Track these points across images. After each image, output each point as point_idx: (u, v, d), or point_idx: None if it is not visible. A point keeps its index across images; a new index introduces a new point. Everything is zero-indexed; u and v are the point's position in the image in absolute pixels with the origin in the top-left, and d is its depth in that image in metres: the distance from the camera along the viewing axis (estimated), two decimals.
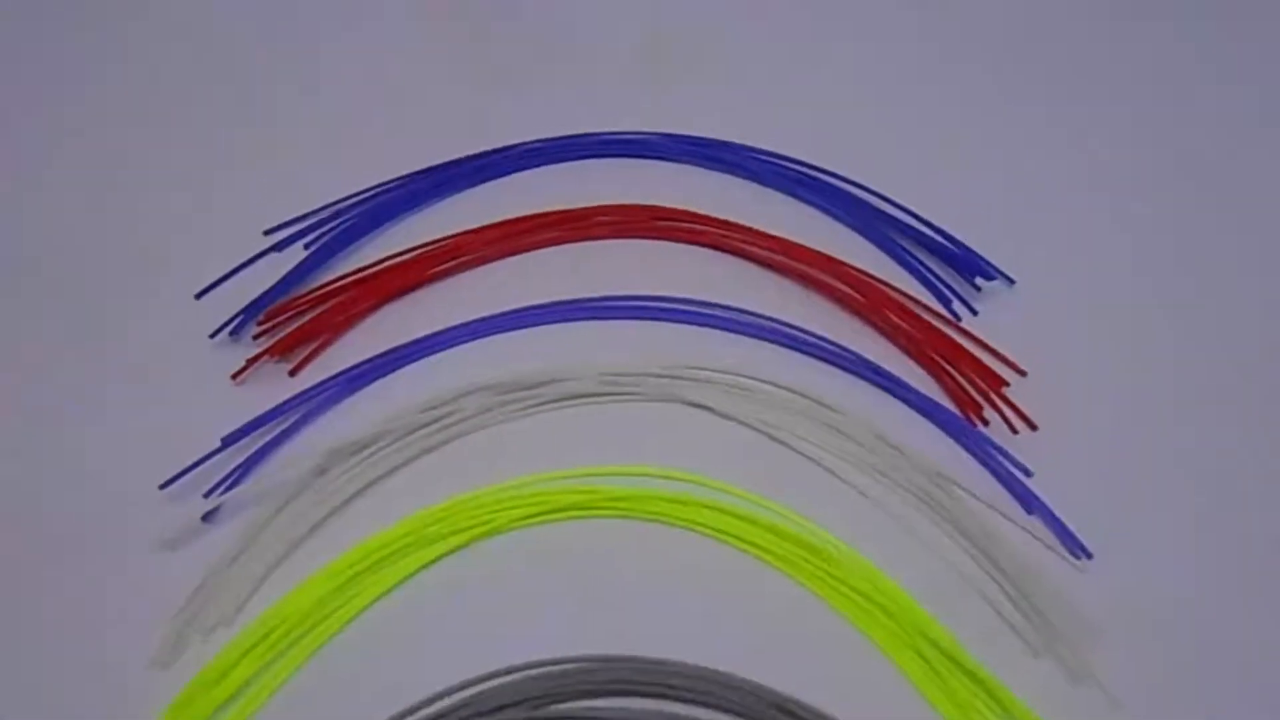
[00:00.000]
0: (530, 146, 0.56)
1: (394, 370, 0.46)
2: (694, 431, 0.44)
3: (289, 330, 0.47)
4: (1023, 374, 0.47)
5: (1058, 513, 0.42)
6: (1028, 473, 0.43)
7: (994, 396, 0.45)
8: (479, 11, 0.65)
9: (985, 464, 0.44)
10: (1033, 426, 0.45)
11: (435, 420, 0.44)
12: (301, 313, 0.48)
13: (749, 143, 0.56)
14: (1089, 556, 0.41)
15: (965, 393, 0.46)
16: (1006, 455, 0.44)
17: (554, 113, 0.57)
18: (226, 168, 0.55)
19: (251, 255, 0.50)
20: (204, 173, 0.55)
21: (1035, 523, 0.42)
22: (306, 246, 0.51)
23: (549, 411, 0.45)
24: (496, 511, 0.41)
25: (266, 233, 0.51)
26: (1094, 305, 0.50)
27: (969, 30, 0.64)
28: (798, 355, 0.47)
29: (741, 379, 0.46)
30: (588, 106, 0.57)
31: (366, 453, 0.43)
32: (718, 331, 0.48)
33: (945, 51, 0.63)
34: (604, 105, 0.57)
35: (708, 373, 0.46)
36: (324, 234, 0.52)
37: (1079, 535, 0.41)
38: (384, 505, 0.42)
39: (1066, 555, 0.41)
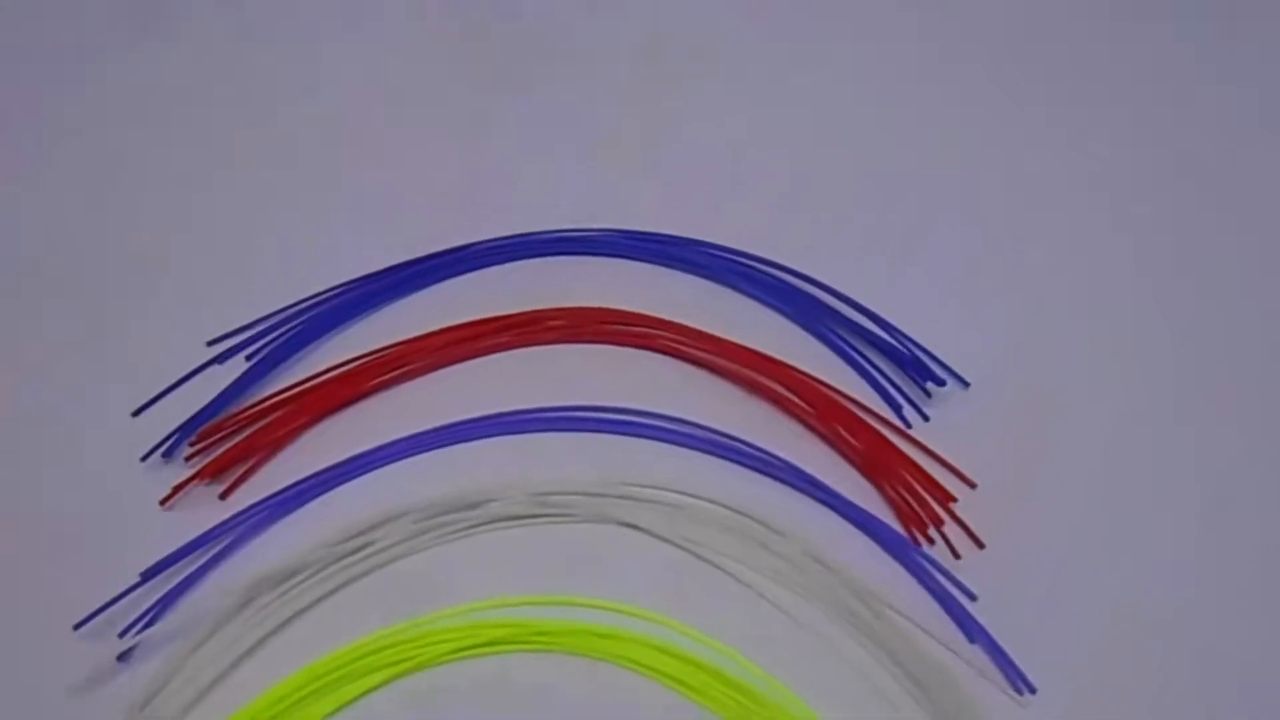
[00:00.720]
0: (480, 247, 0.55)
1: (326, 491, 0.45)
2: (625, 554, 0.43)
3: (223, 450, 0.46)
4: (972, 486, 0.45)
5: (1001, 642, 0.40)
6: (972, 596, 0.42)
7: (941, 512, 0.44)
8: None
9: (927, 586, 0.42)
10: (979, 544, 0.43)
11: (362, 547, 0.43)
12: (237, 430, 0.47)
13: (701, 237, 0.55)
14: (1032, 691, 0.39)
15: (910, 508, 0.44)
16: (950, 577, 0.42)
17: (504, 211, 0.56)
18: (170, 273, 0.54)
19: (193, 368, 0.50)
20: (147, 279, 0.54)
21: (977, 652, 0.40)
22: (249, 358, 0.50)
23: (480, 535, 0.44)
24: (424, 646, 0.40)
25: (210, 343, 0.51)
26: (1051, 409, 0.48)
27: (923, 123, 0.62)
28: (736, 468, 0.46)
29: (675, 495, 0.45)
30: (536, 204, 0.57)
31: (291, 583, 0.42)
32: (656, 443, 0.47)
33: (900, 143, 0.61)
34: (553, 202, 0.57)
35: (642, 489, 0.45)
36: (268, 343, 0.51)
37: (1022, 667, 0.39)
38: (309, 638, 0.41)
39: (1008, 689, 0.39)
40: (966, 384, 0.49)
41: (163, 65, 0.63)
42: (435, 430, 0.47)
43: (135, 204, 0.57)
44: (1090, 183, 0.58)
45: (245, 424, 0.47)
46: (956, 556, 0.43)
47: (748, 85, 0.62)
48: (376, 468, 0.46)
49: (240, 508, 0.44)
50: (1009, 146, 0.58)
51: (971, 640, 0.40)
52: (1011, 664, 0.39)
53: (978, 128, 0.59)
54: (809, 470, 0.46)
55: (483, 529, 0.44)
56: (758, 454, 0.46)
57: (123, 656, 0.40)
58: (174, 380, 0.49)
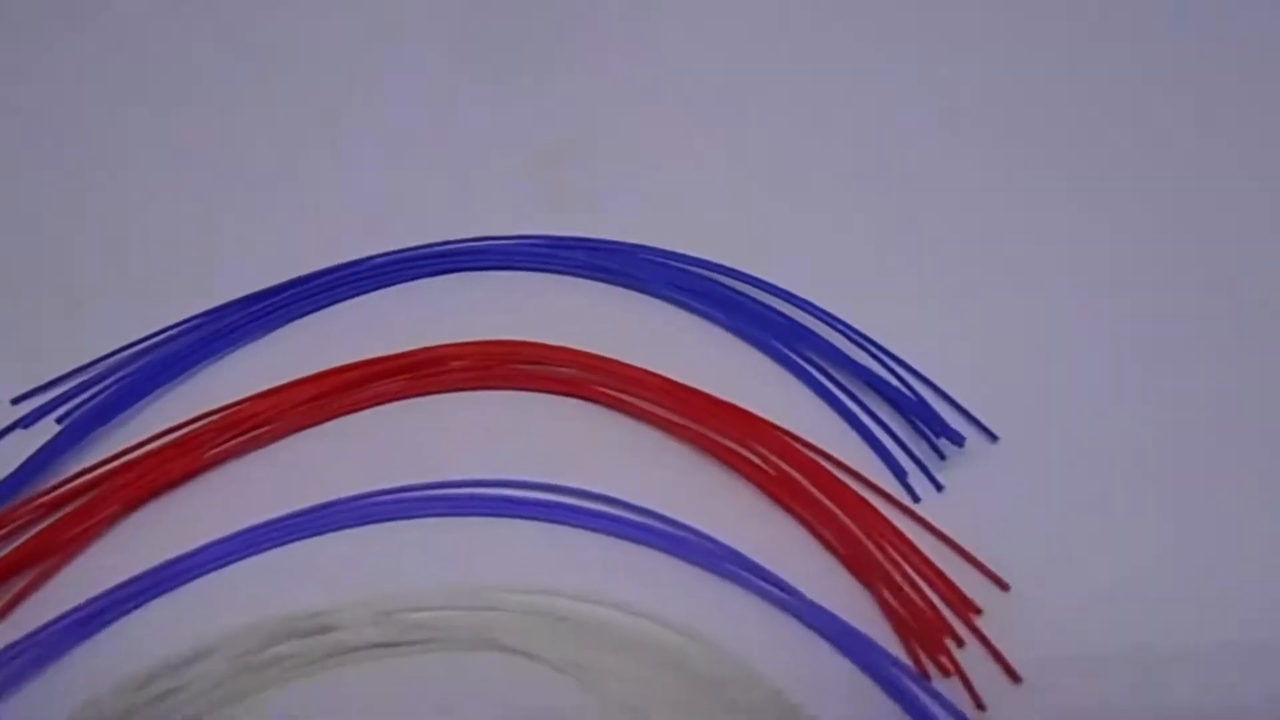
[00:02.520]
0: (360, 268, 0.43)
1: (124, 614, 0.34)
2: (512, 697, 0.31)
3: (9, 550, 0.35)
4: (1004, 588, 0.33)
5: None
6: None
7: (961, 630, 0.32)
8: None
9: None
10: (1014, 677, 0.31)
11: (165, 695, 0.31)
12: (32, 522, 0.36)
13: (647, 241, 0.43)
14: None
15: (918, 625, 0.32)
16: None
17: (385, 224, 0.45)
18: None
19: None
20: None
21: None
22: (60, 420, 0.39)
23: (323, 672, 0.32)
24: None
25: (15, 401, 0.40)
26: (1105, 474, 0.36)
27: (931, 118, 0.50)
28: (676, 564, 0.34)
29: (590, 607, 0.33)
30: (425, 214, 0.45)
31: None
32: (571, 531, 0.35)
33: (896, 138, 0.49)
34: (448, 211, 0.45)
35: (540, 598, 0.33)
36: (87, 400, 0.40)
37: None
38: None
39: None
40: (994, 438, 0.37)
41: None
42: (276, 522, 0.36)
43: None
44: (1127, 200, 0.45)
45: (38, 517, 0.36)
46: (981, 707, 0.30)
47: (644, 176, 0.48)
48: (198, 576, 0.35)
49: (15, 636, 0.33)
50: (986, 257, 0.44)
51: None
52: None
53: (943, 231, 0.45)
54: (775, 569, 0.33)
55: (327, 663, 0.32)
56: (705, 544, 0.34)
57: None
58: None
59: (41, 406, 0.39)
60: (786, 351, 0.39)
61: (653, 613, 0.32)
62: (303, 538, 0.35)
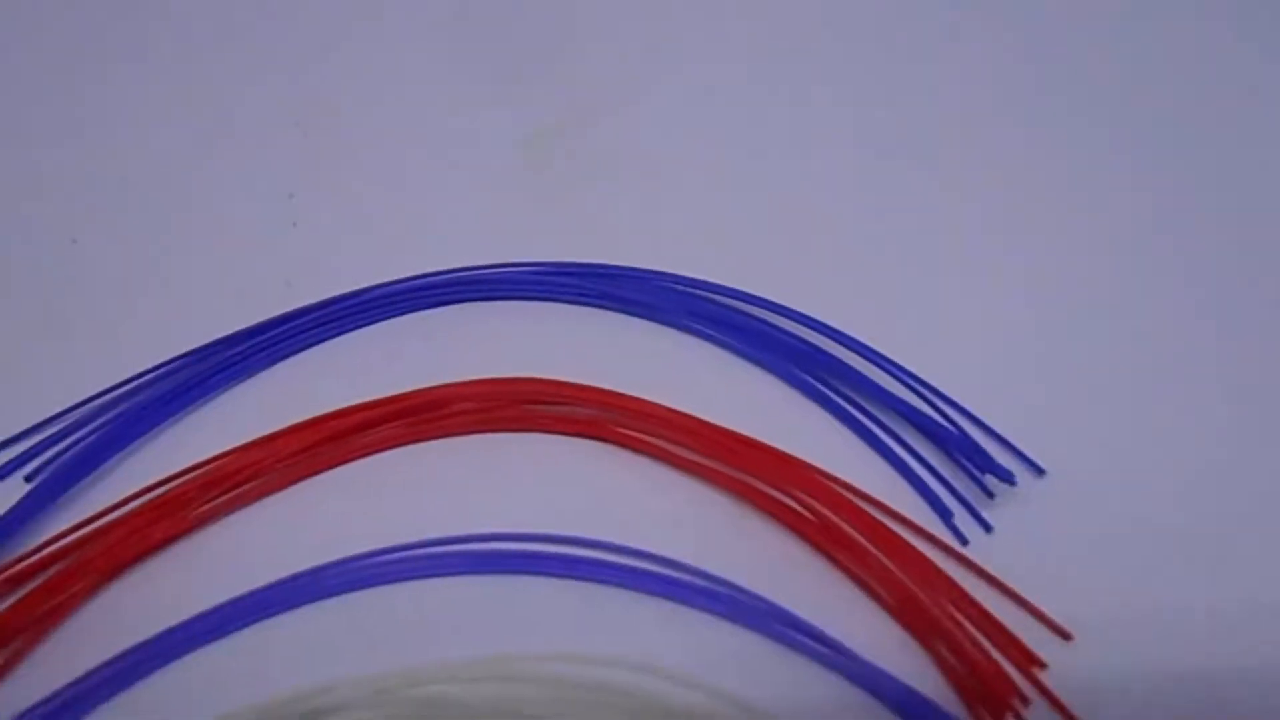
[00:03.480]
0: (346, 303, 0.40)
1: (105, 699, 0.31)
2: None
3: None
4: (1066, 638, 0.31)
5: None
6: None
7: (1024, 686, 0.29)
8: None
9: None
10: None
11: None
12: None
13: (659, 268, 0.40)
14: None
15: (977, 681, 0.29)
16: None
17: (384, 252, 0.42)
18: None
19: None
20: None
21: None
22: (29, 478, 0.36)
23: None
24: None
25: None
26: (1176, 508, 0.34)
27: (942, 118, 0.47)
28: (714, 622, 0.31)
29: (624, 672, 0.30)
30: (427, 240, 0.42)
31: None
32: (597, 587, 0.32)
33: (932, 158, 0.46)
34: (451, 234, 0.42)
35: (560, 665, 0.30)
36: (60, 454, 0.36)
37: None
38: None
39: None
40: (1041, 472, 0.34)
41: None
42: (269, 589, 0.32)
43: None
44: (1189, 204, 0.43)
45: (10, 588, 0.33)
46: None
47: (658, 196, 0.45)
48: (185, 653, 0.31)
49: None
50: (1026, 272, 0.42)
51: None
52: None
53: (986, 248, 0.43)
54: (819, 624, 0.31)
55: None
56: (748, 600, 0.31)
57: None
58: None
59: (8, 462, 0.36)
60: (818, 385, 0.37)
61: (697, 680, 0.30)
62: (296, 606, 0.32)
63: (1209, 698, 0.30)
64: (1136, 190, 0.44)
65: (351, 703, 0.30)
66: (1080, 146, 0.46)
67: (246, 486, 0.35)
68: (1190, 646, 0.31)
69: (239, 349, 0.38)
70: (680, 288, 0.40)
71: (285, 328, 0.39)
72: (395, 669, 0.30)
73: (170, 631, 0.32)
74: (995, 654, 0.30)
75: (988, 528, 0.33)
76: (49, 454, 0.36)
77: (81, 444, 0.37)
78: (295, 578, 0.33)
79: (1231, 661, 0.30)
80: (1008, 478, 0.33)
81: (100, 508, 0.34)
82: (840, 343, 0.37)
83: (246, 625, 0.32)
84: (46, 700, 0.30)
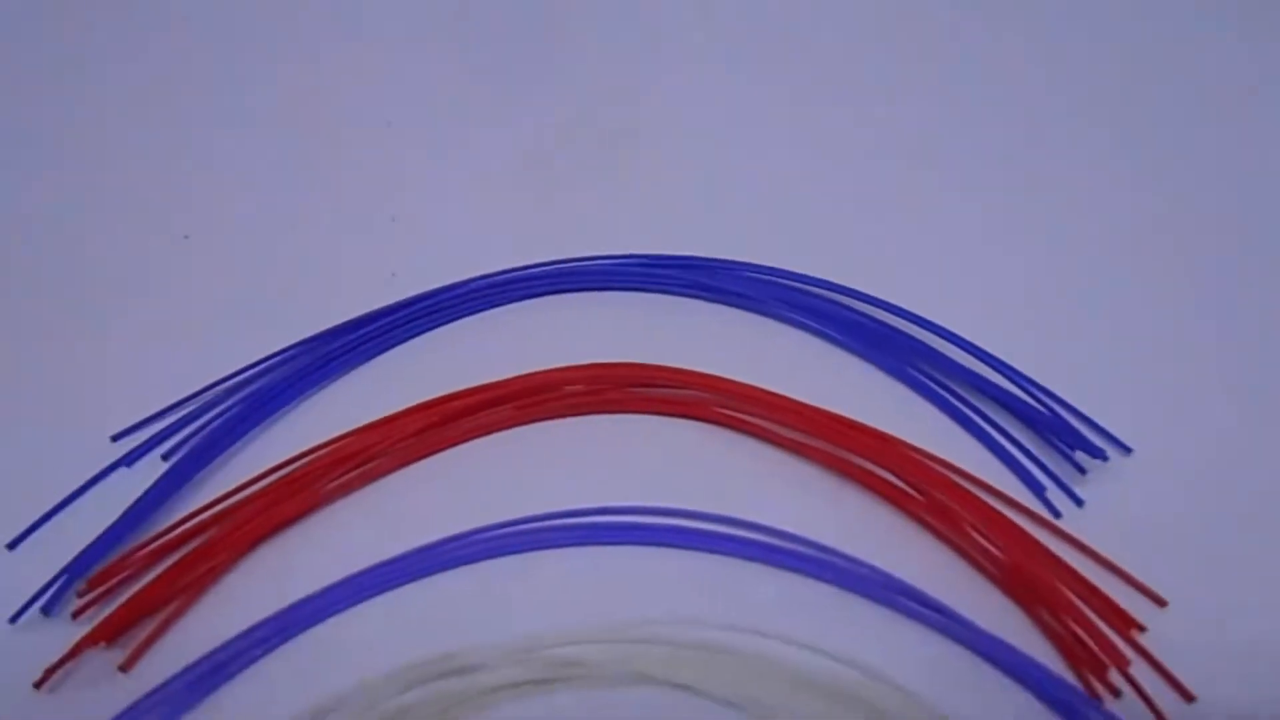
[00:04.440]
0: (456, 291, 0.42)
1: (256, 659, 0.33)
2: None
3: (121, 602, 0.34)
4: (1162, 604, 0.32)
5: None
6: None
7: (1123, 646, 0.31)
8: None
9: None
10: (1187, 696, 0.30)
11: None
12: (142, 570, 0.35)
13: (752, 260, 0.42)
14: None
15: (1081, 645, 0.31)
16: None
17: (485, 247, 0.44)
18: (57, 340, 0.42)
19: (91, 476, 0.37)
20: (32, 356, 0.42)
21: None
22: (165, 457, 0.38)
23: (470, 714, 0.31)
24: None
25: (116, 438, 0.39)
26: (1256, 481, 0.35)
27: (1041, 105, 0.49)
28: (824, 589, 0.33)
29: (744, 636, 0.32)
30: (532, 233, 0.44)
31: None
32: (710, 557, 0.34)
33: (1013, 143, 0.48)
34: (553, 228, 0.44)
35: (686, 629, 0.32)
36: (192, 435, 0.39)
37: None
38: None
39: None
40: (1127, 450, 0.36)
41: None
42: (405, 557, 0.34)
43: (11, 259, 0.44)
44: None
45: (155, 560, 0.35)
46: None
47: (747, 191, 0.47)
48: (327, 617, 0.33)
49: (147, 688, 0.32)
50: (1112, 259, 0.44)
51: None
52: None
53: (1067, 236, 0.45)
54: (926, 589, 0.33)
55: (473, 705, 0.31)
56: (853, 567, 0.33)
57: None
58: (64, 495, 0.37)
59: (145, 443, 0.38)
60: (909, 370, 0.39)
61: (813, 642, 0.31)
62: (428, 575, 0.34)
63: None
64: (1237, 181, 0.46)
65: (494, 662, 0.31)
66: (1173, 130, 0.48)
67: (371, 464, 0.37)
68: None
69: (355, 335, 0.40)
70: (769, 278, 0.42)
71: (398, 315, 0.41)
72: (530, 632, 0.32)
73: (308, 600, 0.34)
74: (1093, 616, 0.32)
75: (1079, 502, 0.35)
76: (183, 434, 0.38)
77: (213, 425, 0.39)
78: (425, 548, 0.35)
79: None
80: (1098, 453, 0.35)
81: (232, 485, 0.36)
82: (928, 329, 0.39)
83: (381, 593, 0.34)
84: (194, 665, 0.32)
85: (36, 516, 0.36)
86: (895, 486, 0.35)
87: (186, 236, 0.46)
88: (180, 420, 0.39)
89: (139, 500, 0.36)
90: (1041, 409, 0.37)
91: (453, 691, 0.31)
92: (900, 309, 0.40)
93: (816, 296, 0.41)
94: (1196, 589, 0.32)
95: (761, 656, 0.32)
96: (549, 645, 0.32)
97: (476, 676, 0.31)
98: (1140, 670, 0.31)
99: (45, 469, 0.38)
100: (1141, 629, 0.32)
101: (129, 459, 0.38)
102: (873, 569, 0.33)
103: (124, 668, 0.32)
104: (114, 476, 0.38)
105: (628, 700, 0.31)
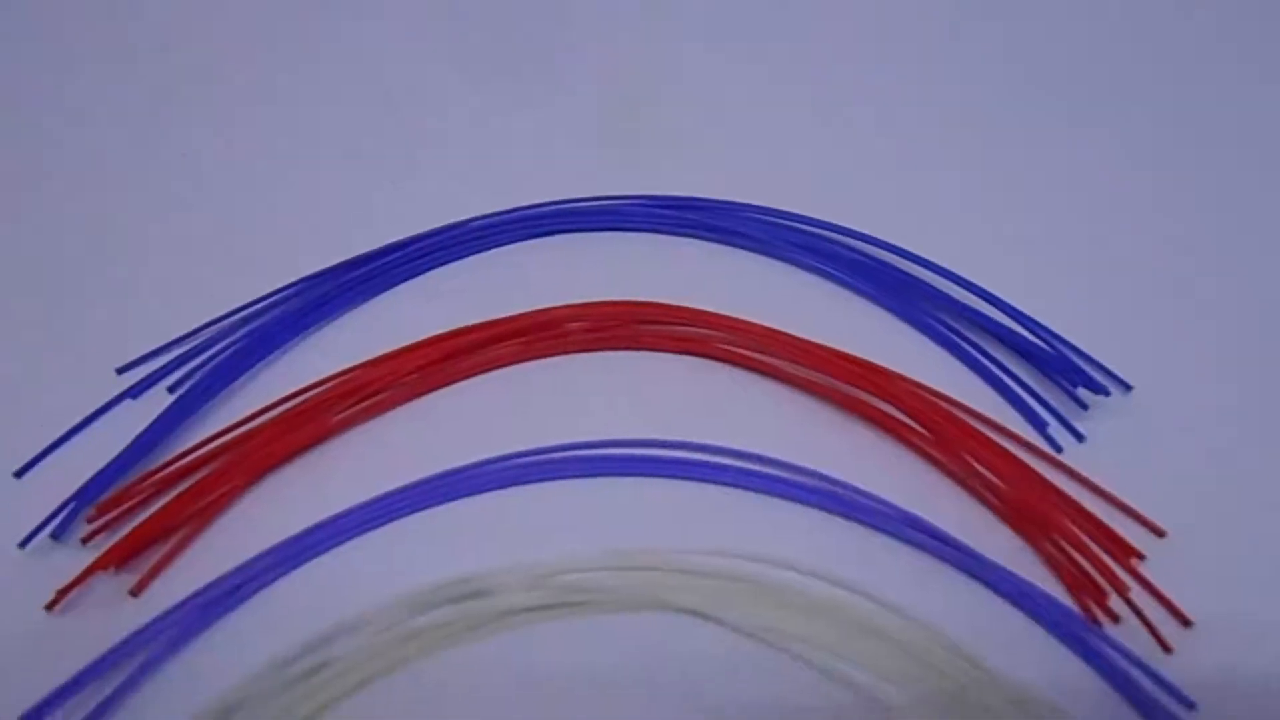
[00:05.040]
0: (464, 228, 0.42)
1: (267, 584, 0.33)
2: (681, 656, 0.31)
3: (132, 527, 0.34)
4: (1161, 534, 0.33)
5: None
6: (1188, 704, 0.29)
7: (1123, 575, 0.32)
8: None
9: (1121, 690, 0.30)
10: (1184, 621, 0.31)
11: (318, 669, 0.31)
12: (154, 496, 0.35)
13: (757, 202, 0.43)
14: None
15: (1081, 573, 0.32)
16: (1153, 676, 0.30)
17: (496, 183, 0.44)
18: (69, 283, 0.42)
19: (97, 407, 0.37)
20: (37, 290, 0.42)
21: None
22: (172, 389, 0.38)
23: (480, 640, 0.31)
24: None
25: (121, 370, 0.39)
26: (1252, 418, 0.36)
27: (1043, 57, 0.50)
28: (831, 520, 0.34)
29: (750, 564, 0.32)
30: (537, 173, 0.44)
31: None
32: (718, 489, 0.35)
33: (1016, 89, 0.49)
34: (560, 168, 0.44)
35: (698, 558, 0.32)
36: (199, 368, 0.39)
37: None
38: None
39: None
40: (1128, 388, 0.37)
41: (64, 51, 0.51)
42: (415, 486, 0.35)
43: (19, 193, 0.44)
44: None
45: (163, 488, 0.35)
46: (1167, 650, 0.30)
47: (753, 133, 0.48)
48: (339, 544, 0.34)
49: (157, 611, 0.32)
50: (1111, 201, 0.44)
51: None
52: None
53: (1066, 176, 0.45)
54: (932, 520, 0.33)
55: (485, 631, 0.31)
56: (860, 500, 0.34)
57: None
58: (71, 424, 0.37)
59: (150, 376, 0.38)
60: (914, 310, 0.39)
61: (822, 571, 0.32)
62: (442, 502, 0.35)
63: None
64: (1236, 124, 0.47)
65: (507, 587, 0.32)
66: (1174, 69, 0.49)
67: (380, 396, 0.37)
68: (1277, 540, 0.33)
69: (359, 272, 0.40)
70: (774, 220, 0.42)
71: (403, 253, 0.41)
72: (543, 559, 0.32)
73: (324, 524, 0.34)
74: (1093, 546, 0.32)
75: (1080, 437, 0.35)
76: (188, 368, 0.38)
77: (219, 359, 0.39)
78: (439, 476, 0.35)
79: None
80: (1100, 389, 0.35)
81: (238, 418, 0.36)
82: (934, 271, 0.39)
83: (396, 519, 0.34)
84: (205, 589, 0.33)
85: (42, 447, 0.36)
86: (901, 422, 0.35)
87: (184, 154, 0.46)
88: (185, 354, 0.39)
89: (146, 430, 0.36)
90: (1045, 346, 0.37)
91: (465, 616, 0.32)
92: (905, 251, 0.40)
93: (822, 239, 0.41)
94: (1194, 521, 0.33)
95: (772, 584, 0.32)
96: (562, 571, 0.32)
97: (489, 601, 0.32)
98: (1139, 598, 0.31)
99: (51, 401, 0.37)
100: (1141, 557, 0.32)
101: (134, 391, 0.38)
102: (880, 500, 0.34)
103: (134, 592, 0.33)
104: (120, 408, 0.38)
105: (641, 626, 0.31)
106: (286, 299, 0.40)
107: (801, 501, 0.34)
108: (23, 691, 0.30)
